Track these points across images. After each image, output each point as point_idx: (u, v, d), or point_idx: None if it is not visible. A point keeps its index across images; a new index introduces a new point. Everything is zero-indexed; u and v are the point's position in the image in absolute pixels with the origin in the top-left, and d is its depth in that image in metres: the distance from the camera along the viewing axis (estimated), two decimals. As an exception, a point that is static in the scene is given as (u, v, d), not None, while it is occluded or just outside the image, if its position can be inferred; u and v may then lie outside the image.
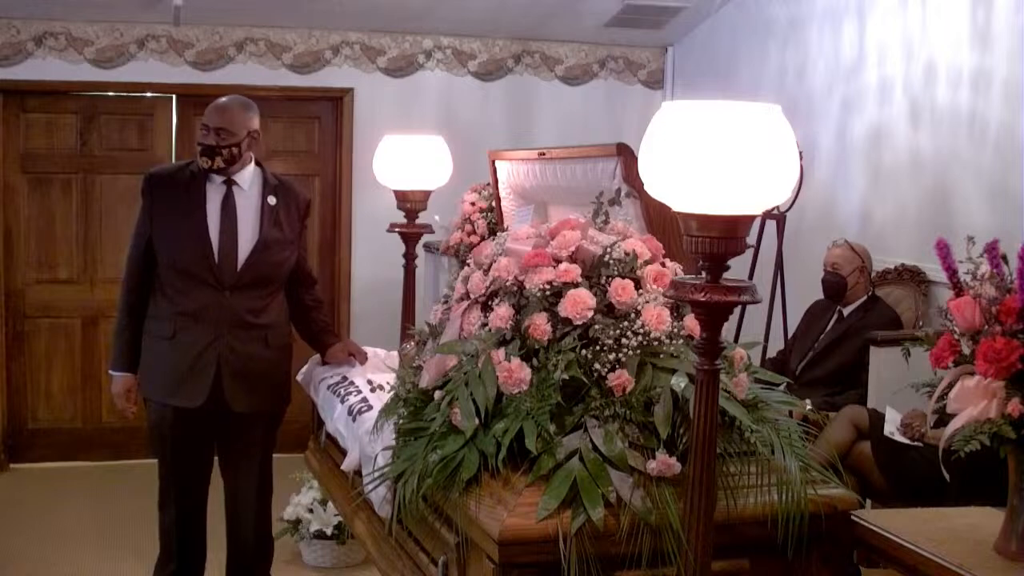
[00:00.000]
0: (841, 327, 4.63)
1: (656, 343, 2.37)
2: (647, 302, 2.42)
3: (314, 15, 6.16)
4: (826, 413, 4.31)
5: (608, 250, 2.51)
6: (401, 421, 2.62)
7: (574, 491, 2.22)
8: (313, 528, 4.63)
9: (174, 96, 6.28)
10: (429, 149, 3.88)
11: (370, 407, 3.05)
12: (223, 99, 3.65)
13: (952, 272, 2.34)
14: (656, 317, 2.38)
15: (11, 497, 5.62)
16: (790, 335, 4.90)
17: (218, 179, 3.58)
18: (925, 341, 2.38)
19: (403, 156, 3.84)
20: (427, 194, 3.88)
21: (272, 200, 3.62)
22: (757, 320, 4.82)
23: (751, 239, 2.25)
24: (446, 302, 2.80)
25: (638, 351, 2.35)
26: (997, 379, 2.17)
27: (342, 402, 3.24)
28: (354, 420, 3.06)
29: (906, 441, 3.93)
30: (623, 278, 2.44)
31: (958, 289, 2.31)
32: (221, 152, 3.51)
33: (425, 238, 4.32)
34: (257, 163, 3.68)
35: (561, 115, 6.65)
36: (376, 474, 2.61)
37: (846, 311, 4.67)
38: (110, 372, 3.74)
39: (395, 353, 3.54)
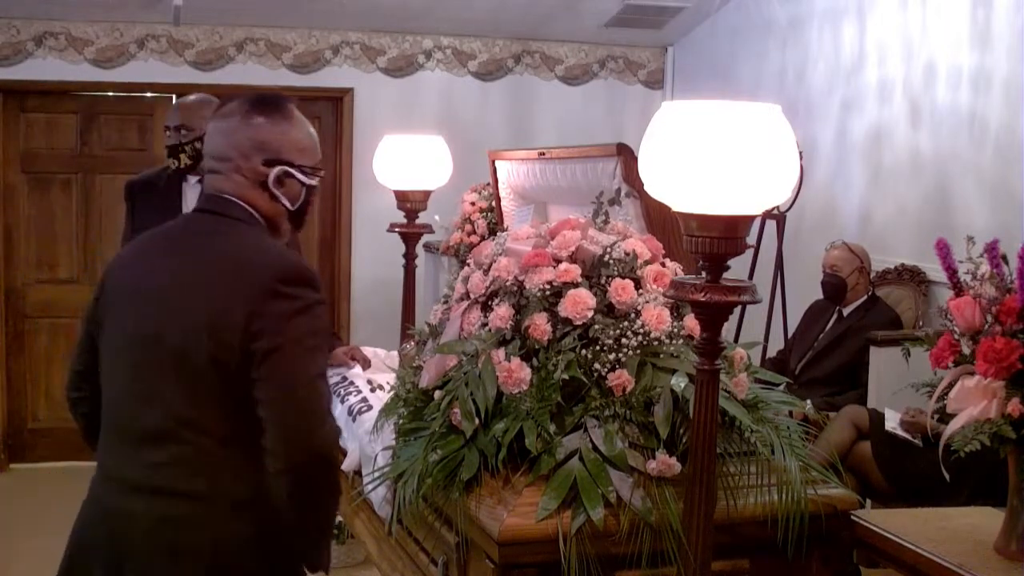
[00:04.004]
0: (841, 327, 4.63)
1: (656, 343, 2.37)
2: (647, 302, 2.42)
3: (314, 15, 6.16)
4: (826, 413, 4.31)
5: (608, 250, 2.51)
6: (401, 421, 2.62)
7: (574, 491, 2.22)
8: (313, 528, 4.62)
9: (174, 96, 6.27)
10: (429, 149, 3.87)
11: (370, 407, 3.05)
12: (182, 98, 3.69)
13: (952, 272, 2.34)
14: (656, 317, 2.38)
15: (11, 497, 5.62)
16: (790, 335, 4.90)
17: (193, 179, 3.59)
18: (925, 341, 2.38)
19: (403, 156, 3.83)
20: (427, 194, 3.87)
21: None
22: (757, 320, 4.82)
23: (751, 239, 2.25)
24: (446, 302, 2.80)
25: (638, 351, 2.35)
26: (997, 379, 2.17)
27: (342, 402, 3.24)
28: (354, 420, 3.06)
29: (907, 436, 3.93)
30: (623, 278, 2.44)
31: (958, 289, 2.32)
32: (184, 149, 3.53)
33: (425, 238, 4.32)
34: None
35: (561, 115, 6.65)
36: (376, 474, 2.61)
37: (846, 311, 4.67)
38: None
39: (395, 353, 3.54)
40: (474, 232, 5.41)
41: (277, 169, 2.01)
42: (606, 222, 2.84)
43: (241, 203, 1.98)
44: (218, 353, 1.85)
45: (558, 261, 2.49)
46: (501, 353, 2.40)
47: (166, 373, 1.88)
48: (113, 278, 2.04)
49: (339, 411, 3.24)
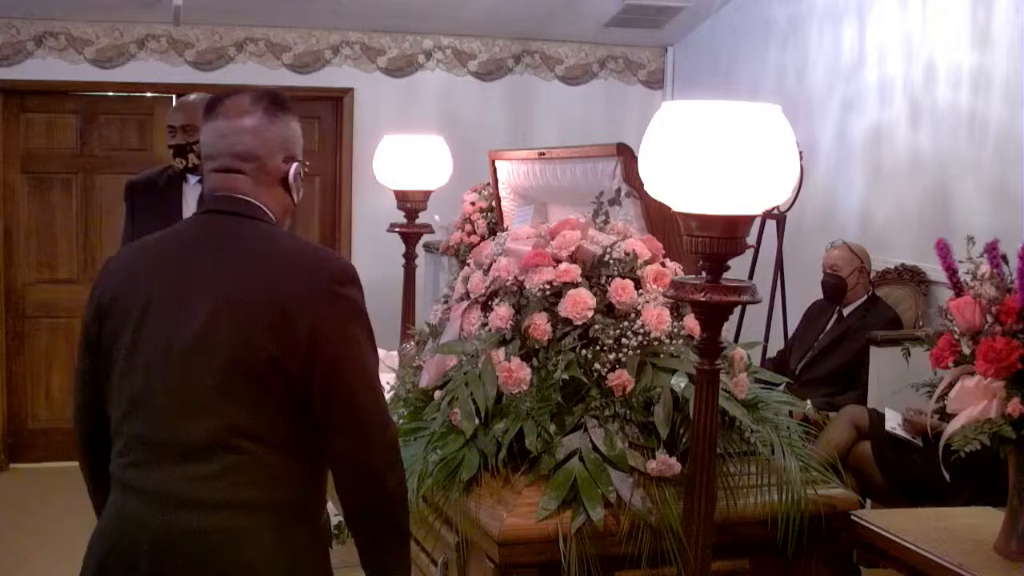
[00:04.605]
0: (841, 327, 4.63)
1: (656, 343, 2.37)
2: (647, 302, 2.42)
3: (314, 15, 6.16)
4: (826, 413, 4.31)
5: (608, 250, 2.51)
6: (401, 421, 2.62)
7: (574, 491, 2.22)
8: (313, 528, 4.62)
9: (174, 96, 6.26)
10: (429, 149, 3.88)
11: (370, 407, 3.04)
12: (183, 98, 3.69)
13: (952, 272, 2.34)
14: (656, 317, 2.38)
15: (11, 497, 5.62)
16: (790, 335, 4.90)
17: (193, 179, 3.59)
18: (925, 341, 2.38)
19: (403, 156, 3.84)
20: (427, 194, 3.88)
21: None
22: (757, 320, 4.82)
23: (751, 239, 2.26)
24: (446, 302, 2.80)
25: (638, 351, 2.35)
26: (997, 379, 2.17)
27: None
28: (354, 420, 3.06)
29: (907, 436, 3.93)
30: (623, 278, 2.44)
31: (958, 289, 2.32)
32: (192, 148, 3.53)
33: (425, 238, 4.32)
34: None
35: (561, 115, 6.65)
36: (376, 474, 2.61)
37: (846, 311, 4.67)
38: None
39: (395, 353, 3.54)
40: (474, 232, 5.41)
41: (295, 165, 2.00)
42: (606, 222, 2.84)
43: (255, 202, 1.95)
44: (280, 356, 1.79)
45: (558, 261, 2.49)
46: (501, 353, 2.40)
47: (218, 381, 1.80)
48: (123, 291, 1.93)
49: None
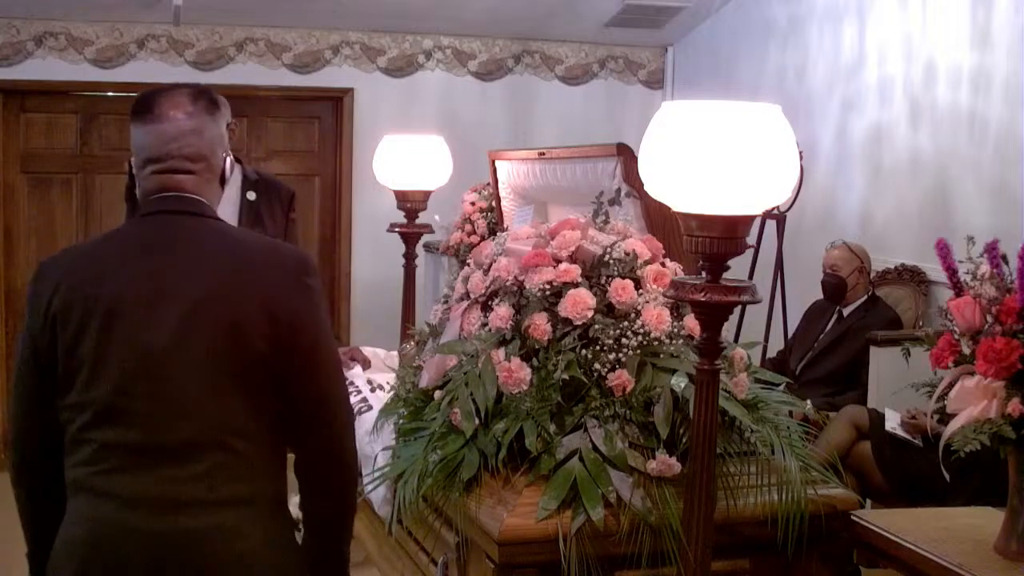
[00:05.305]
0: (841, 327, 4.63)
1: (656, 343, 2.37)
2: (647, 302, 2.42)
3: (314, 15, 6.16)
4: (826, 413, 4.31)
5: (608, 250, 2.51)
6: (401, 421, 2.62)
7: (574, 491, 2.22)
8: (313, 528, 4.61)
9: (174, 96, 6.25)
10: (429, 149, 3.87)
11: (370, 407, 3.04)
12: None
13: (952, 272, 2.34)
14: (656, 317, 2.38)
15: (11, 497, 5.61)
16: (790, 335, 4.90)
17: None
18: (925, 341, 2.38)
19: (403, 156, 3.83)
20: (427, 194, 3.87)
21: (252, 196, 3.61)
22: (757, 320, 4.82)
23: (751, 239, 2.25)
24: (446, 302, 2.80)
25: (638, 351, 2.35)
26: (997, 379, 2.17)
27: (342, 402, 3.24)
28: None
29: (907, 436, 3.93)
30: (623, 278, 2.44)
31: (958, 289, 2.32)
32: None
33: (425, 238, 4.32)
34: (236, 160, 3.68)
35: (561, 115, 6.65)
36: (376, 474, 2.61)
37: (846, 311, 4.67)
38: None
39: (395, 353, 3.54)
40: (474, 232, 5.40)
41: (230, 158, 2.02)
42: (606, 222, 2.84)
43: (202, 199, 1.94)
44: (264, 351, 1.81)
45: (558, 261, 2.49)
46: (501, 353, 2.40)
47: (202, 380, 1.79)
48: (79, 298, 1.86)
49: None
